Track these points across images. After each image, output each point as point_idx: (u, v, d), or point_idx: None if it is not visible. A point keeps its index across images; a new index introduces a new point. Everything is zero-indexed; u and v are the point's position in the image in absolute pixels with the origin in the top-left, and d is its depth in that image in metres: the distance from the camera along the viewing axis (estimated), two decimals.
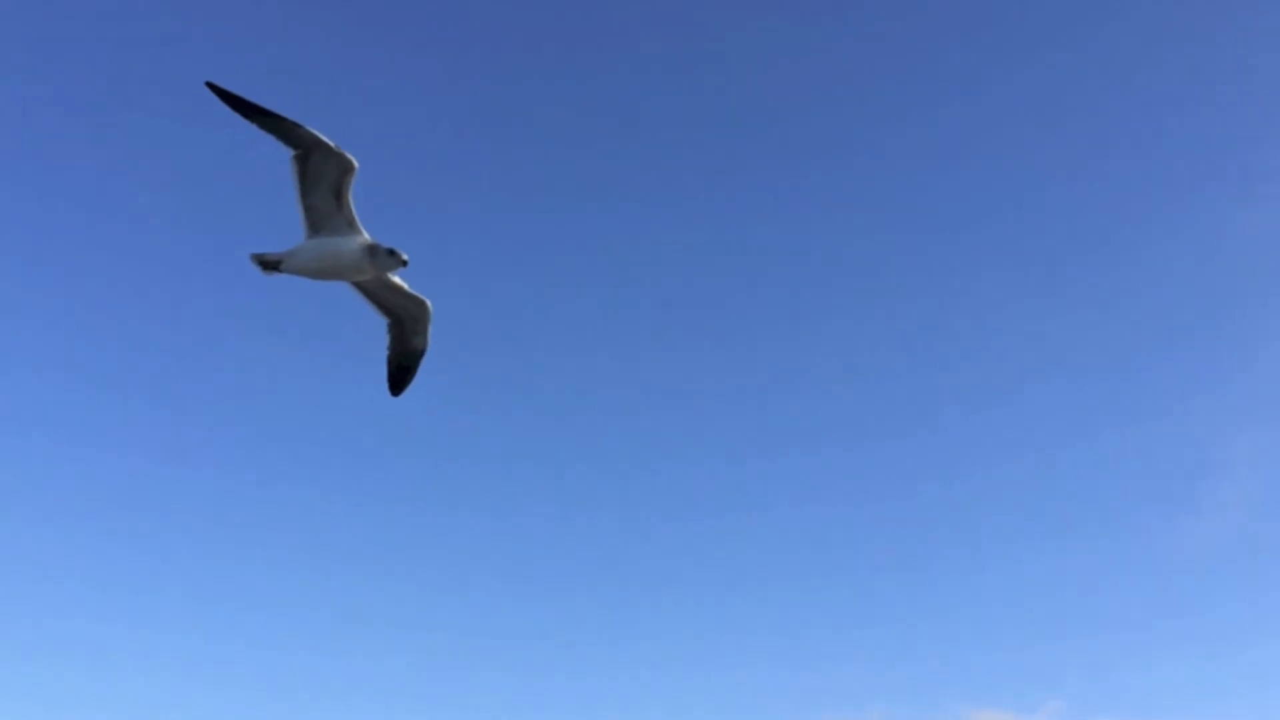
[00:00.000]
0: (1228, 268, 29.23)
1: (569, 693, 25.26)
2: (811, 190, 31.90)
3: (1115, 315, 29.93)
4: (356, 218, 9.47)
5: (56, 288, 27.76)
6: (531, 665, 25.80)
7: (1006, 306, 30.68)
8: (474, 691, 25.25)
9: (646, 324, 30.66)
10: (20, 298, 27.09)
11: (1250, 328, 29.25)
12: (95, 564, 25.63)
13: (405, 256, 9.48)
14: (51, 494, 26.18)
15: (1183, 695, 24.69)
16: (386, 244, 9.50)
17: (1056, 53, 30.96)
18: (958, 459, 28.95)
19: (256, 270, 9.82)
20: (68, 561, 25.34)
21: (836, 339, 30.93)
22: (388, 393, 10.41)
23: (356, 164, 9.23)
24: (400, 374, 10.36)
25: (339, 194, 9.37)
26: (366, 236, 9.51)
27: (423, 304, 10.06)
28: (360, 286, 9.95)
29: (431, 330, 10.20)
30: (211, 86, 9.07)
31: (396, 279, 9.86)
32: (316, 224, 9.52)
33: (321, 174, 9.27)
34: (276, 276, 9.89)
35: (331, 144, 9.12)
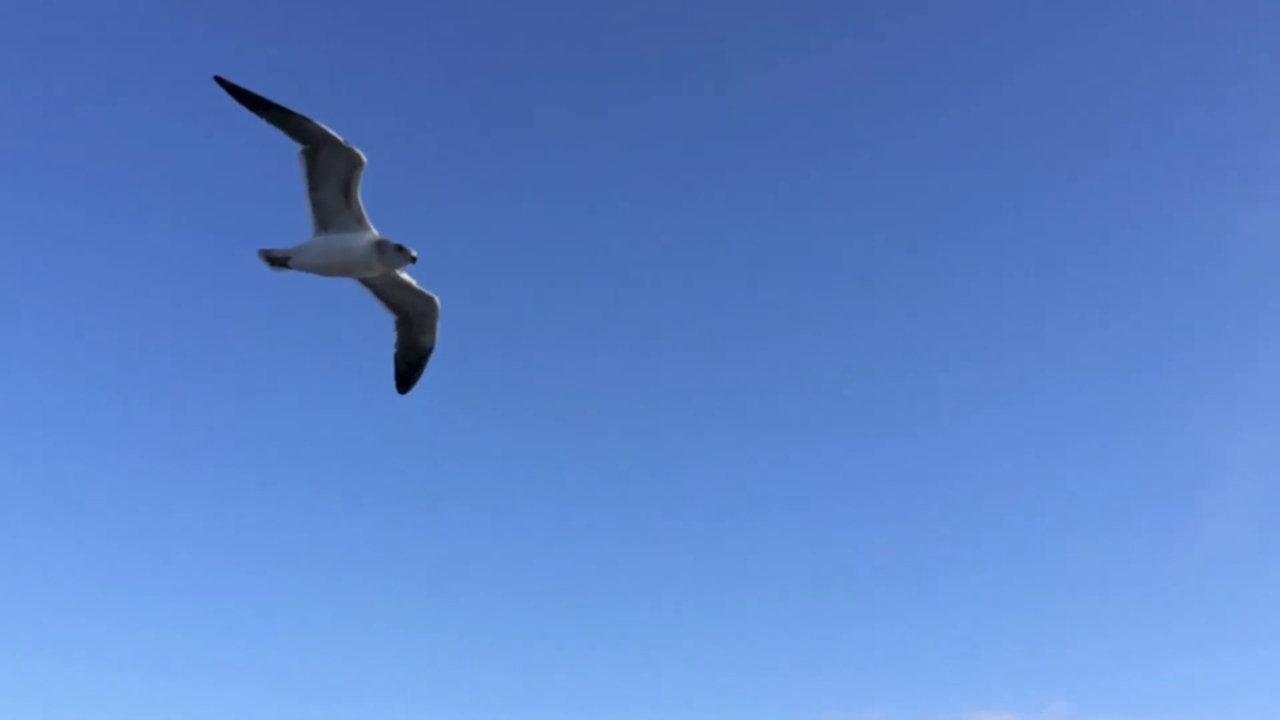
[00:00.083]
0: (1229, 268, 29.21)
1: (570, 694, 25.20)
2: (813, 191, 31.87)
3: (1117, 316, 29.91)
4: (365, 214, 9.39)
5: (56, 287, 27.66)
6: (532, 667, 25.74)
7: (1009, 308, 30.64)
8: (475, 693, 25.18)
9: (648, 325, 30.61)
10: (20, 298, 26.96)
11: (1252, 328, 29.21)
12: (95, 564, 25.53)
13: (414, 253, 9.39)
14: (51, 494, 26.08)
15: (1187, 696, 24.67)
16: (395, 240, 9.42)
17: (1056, 54, 30.92)
18: (960, 461, 28.91)
19: (263, 267, 9.73)
20: (68, 562, 25.24)
21: (838, 340, 30.90)
22: (394, 391, 10.31)
23: (365, 159, 9.14)
24: (408, 371, 10.27)
25: (347, 190, 9.29)
26: (375, 233, 9.42)
27: (431, 301, 9.98)
28: (368, 283, 9.87)
29: (440, 327, 10.12)
30: (220, 81, 8.99)
31: (405, 275, 9.78)
32: (325, 220, 9.44)
33: (330, 169, 9.19)
34: (282, 273, 9.81)
35: (340, 139, 9.03)
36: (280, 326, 27.92)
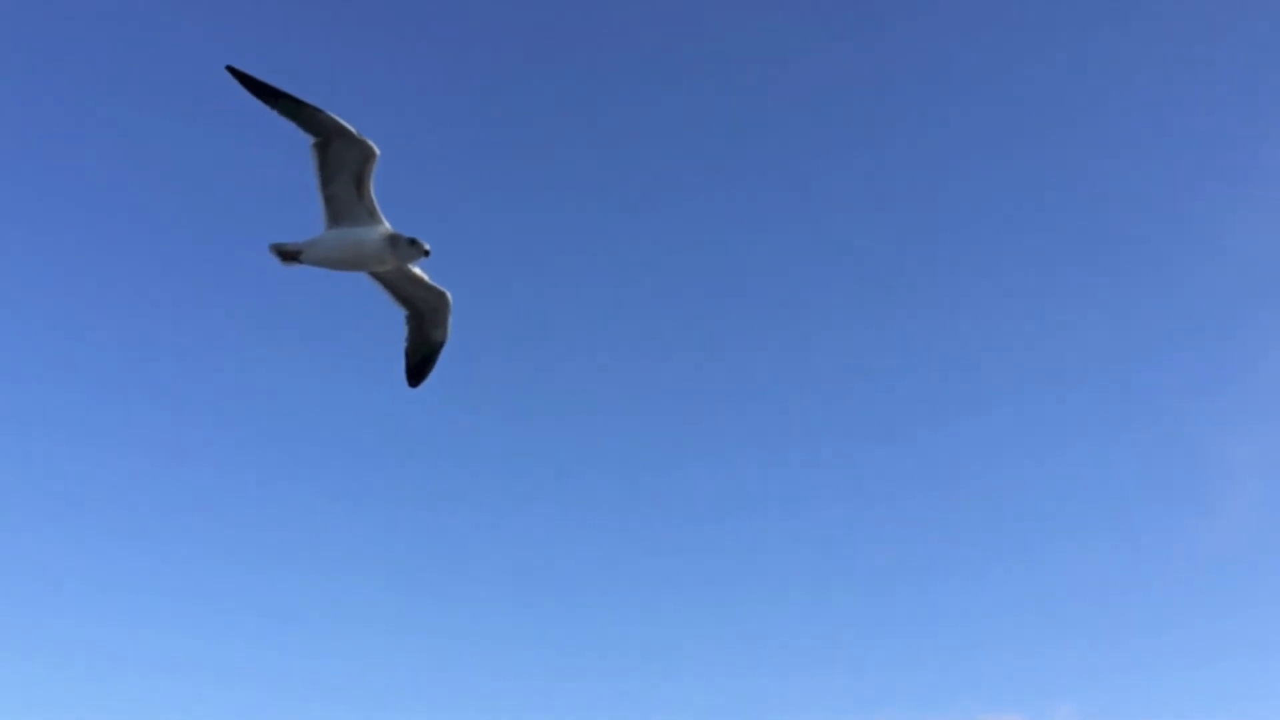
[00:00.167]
0: (1231, 270, 29.14)
1: (573, 697, 25.09)
2: (814, 193, 31.80)
3: (1120, 319, 29.83)
4: (377, 207, 9.30)
5: (56, 286, 27.56)
6: (535, 670, 25.63)
7: (1013, 310, 30.55)
8: (477, 695, 25.08)
9: (651, 325, 30.53)
10: (19, 298, 26.87)
11: (1255, 330, 29.16)
12: (94, 565, 25.43)
13: (427, 246, 9.30)
14: (51, 495, 25.97)
15: (1194, 699, 24.59)
16: (407, 234, 9.32)
17: (1055, 56, 30.87)
18: (964, 463, 28.82)
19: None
20: (67, 563, 25.14)
21: (843, 342, 30.82)
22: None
23: (378, 151, 9.05)
24: (419, 366, 10.18)
25: (360, 183, 9.19)
26: (388, 226, 9.33)
27: (443, 295, 9.89)
28: (379, 277, 9.78)
29: (451, 322, 10.04)
30: (232, 70, 8.89)
31: (417, 270, 9.69)
32: (337, 214, 9.34)
33: (342, 162, 9.09)
34: (292, 268, 9.71)
35: (353, 130, 8.93)
36: (280, 326, 27.85)
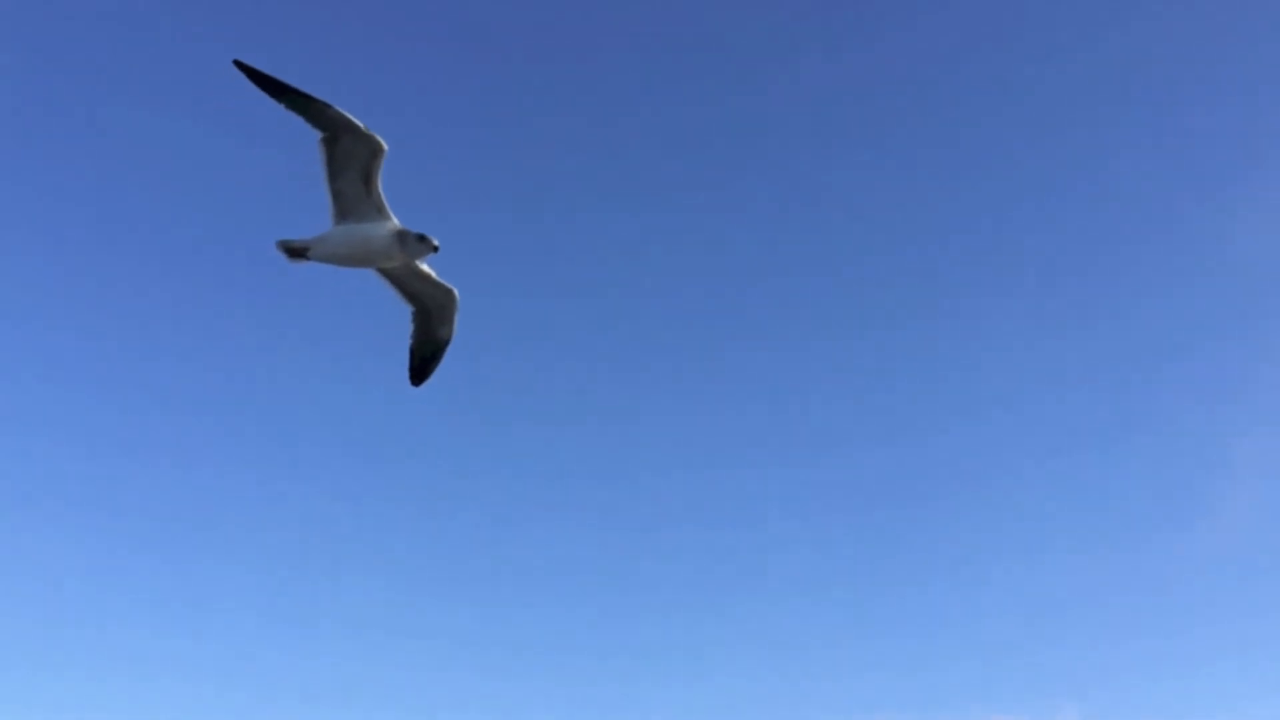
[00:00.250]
0: (1234, 272, 29.13)
1: (576, 700, 25.04)
2: (819, 198, 31.78)
3: (1121, 320, 29.81)
4: (386, 203, 9.27)
5: (56, 286, 27.53)
6: (536, 671, 25.59)
7: (1016, 314, 30.53)
8: (479, 698, 25.04)
9: (654, 329, 30.50)
10: (20, 298, 26.85)
11: (1258, 331, 29.14)
12: (94, 567, 25.39)
13: (436, 242, 9.27)
14: (52, 497, 25.93)
15: (1197, 700, 24.56)
16: (416, 230, 9.30)
17: (1055, 59, 30.88)
18: (967, 466, 28.79)
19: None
20: (67, 564, 25.10)
21: (847, 346, 30.78)
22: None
23: (386, 146, 9.02)
24: (424, 363, 10.14)
25: (368, 178, 9.16)
26: (396, 222, 9.30)
27: (450, 293, 9.86)
28: (386, 274, 9.75)
29: (458, 320, 10.00)
30: (239, 65, 8.86)
31: (424, 267, 9.66)
32: (345, 209, 9.31)
33: (350, 157, 9.06)
34: (300, 265, 9.69)
35: (361, 125, 8.90)
36: (284, 327, 27.80)
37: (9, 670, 23.35)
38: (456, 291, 9.84)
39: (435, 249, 9.28)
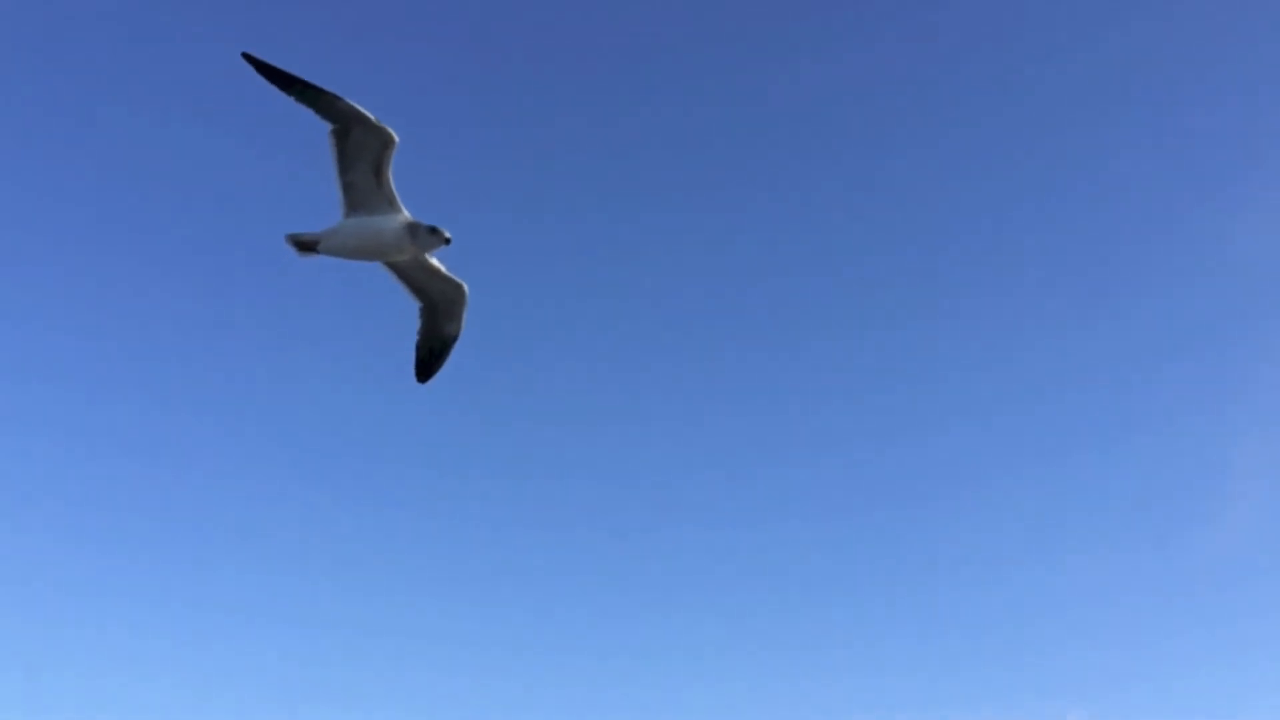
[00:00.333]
0: (1236, 273, 29.09)
1: (577, 701, 24.97)
2: (824, 198, 31.74)
3: (1123, 322, 29.78)
4: (397, 196, 9.19)
5: (56, 286, 27.43)
6: (538, 673, 25.51)
7: (1018, 315, 30.49)
8: (479, 699, 24.96)
9: (653, 329, 30.44)
10: (20, 298, 26.76)
11: (1260, 333, 29.10)
12: (96, 568, 25.30)
13: (448, 234, 9.19)
14: (52, 498, 25.83)
15: (1203, 703, 24.49)
16: (428, 222, 9.22)
17: (1058, 59, 30.85)
18: (968, 468, 28.73)
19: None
20: (65, 565, 25.00)
21: (850, 347, 30.70)
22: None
23: (397, 138, 8.94)
24: (430, 360, 10.05)
25: (379, 170, 9.08)
26: (407, 214, 9.23)
27: (460, 288, 9.77)
28: (395, 267, 9.66)
29: (466, 315, 9.92)
30: (248, 57, 8.79)
31: (434, 261, 9.58)
32: (355, 202, 9.24)
33: (361, 149, 8.98)
34: (309, 259, 9.61)
35: (372, 118, 8.83)
36: (285, 327, 27.72)
37: (9, 671, 23.27)
38: (466, 287, 9.76)
39: (447, 241, 9.20)
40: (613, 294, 30.35)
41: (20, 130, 27.09)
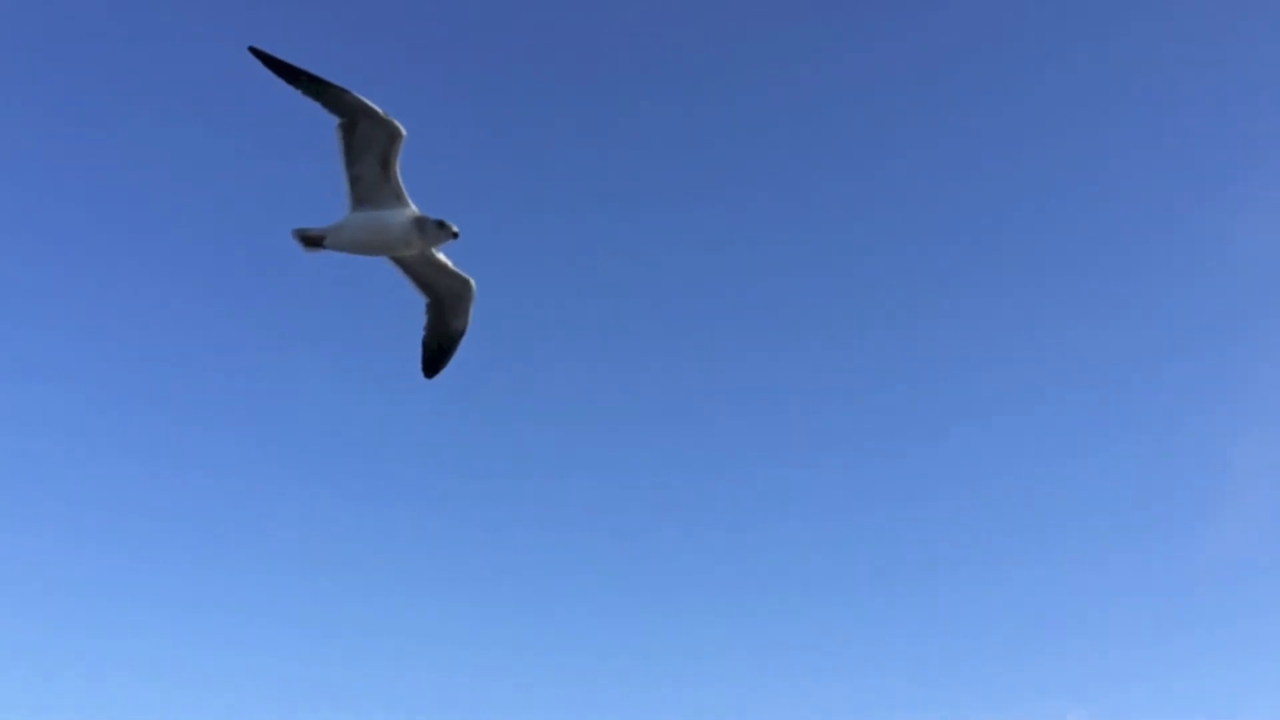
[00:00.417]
0: (1237, 273, 29.11)
1: (578, 702, 24.94)
2: (823, 199, 31.73)
3: (1123, 323, 29.79)
4: (404, 190, 9.15)
5: (56, 287, 27.39)
6: (539, 674, 25.48)
7: (1020, 316, 30.49)
8: (479, 700, 24.92)
9: (654, 329, 30.42)
10: (21, 298, 26.71)
11: (1260, 333, 29.12)
12: (96, 568, 25.25)
13: (455, 228, 9.14)
14: (52, 498, 25.78)
15: (1204, 704, 24.49)
16: (435, 216, 9.18)
17: (1057, 60, 30.87)
18: (968, 469, 28.73)
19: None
20: (68, 566, 24.96)
21: (849, 348, 30.71)
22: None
23: (405, 132, 8.90)
24: (437, 355, 10.00)
25: (385, 164, 9.03)
26: (414, 209, 9.19)
27: (466, 283, 9.71)
28: (401, 262, 9.61)
29: (473, 311, 9.87)
30: (255, 51, 8.75)
31: (441, 256, 9.54)
32: (362, 197, 9.18)
33: (368, 143, 8.93)
34: (316, 254, 9.56)
35: (380, 111, 8.78)
36: (284, 327, 27.69)
37: (10, 671, 23.23)
38: (473, 282, 9.71)
39: (455, 235, 9.15)
40: (613, 294, 30.35)
41: (20, 130, 27.09)
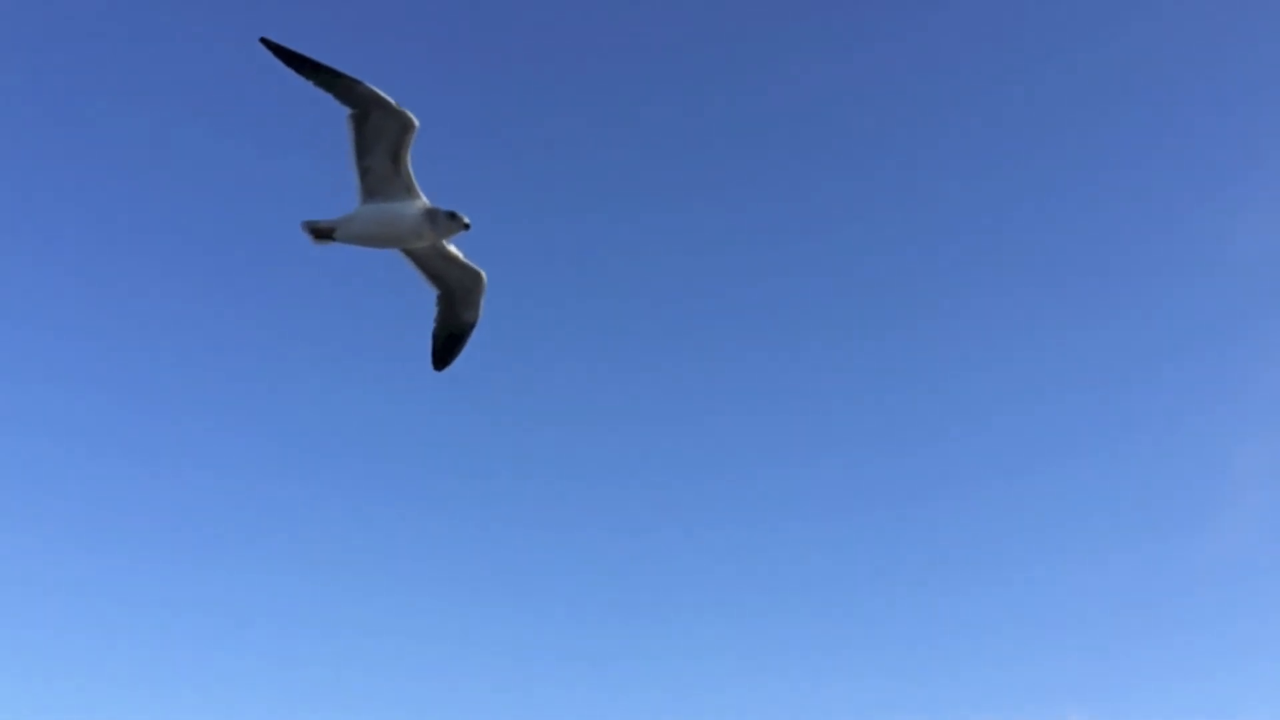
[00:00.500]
0: (1237, 274, 29.14)
1: (578, 703, 24.89)
2: (823, 200, 31.73)
3: (1123, 324, 29.81)
4: (415, 181, 9.12)
5: (57, 287, 27.35)
6: (539, 676, 25.44)
7: (1019, 317, 30.51)
8: (479, 701, 24.87)
9: (654, 330, 30.40)
10: (21, 298, 26.67)
11: (1260, 335, 29.14)
12: (98, 569, 25.19)
13: (467, 220, 9.10)
14: (52, 498, 25.72)
15: (1204, 705, 24.49)
16: (446, 207, 9.15)
17: (1056, 60, 30.92)
18: (970, 470, 28.71)
19: (307, 240, 9.41)
20: (70, 567, 24.89)
21: (848, 350, 30.70)
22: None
23: (417, 123, 8.87)
24: (447, 347, 9.97)
25: (397, 156, 8.99)
26: (425, 200, 9.15)
27: (477, 276, 9.68)
28: (412, 255, 9.58)
29: (484, 303, 9.84)
30: (266, 42, 8.72)
31: (452, 248, 9.51)
32: (372, 189, 9.14)
33: (379, 134, 8.89)
34: (325, 246, 9.53)
35: (392, 101, 8.74)
36: (283, 327, 27.65)
37: (9, 671, 23.17)
38: (484, 274, 9.68)
39: (466, 226, 9.12)
40: (613, 294, 30.33)
41: (20, 130, 27.04)
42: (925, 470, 28.61)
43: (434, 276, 9.72)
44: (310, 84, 8.82)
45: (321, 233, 9.40)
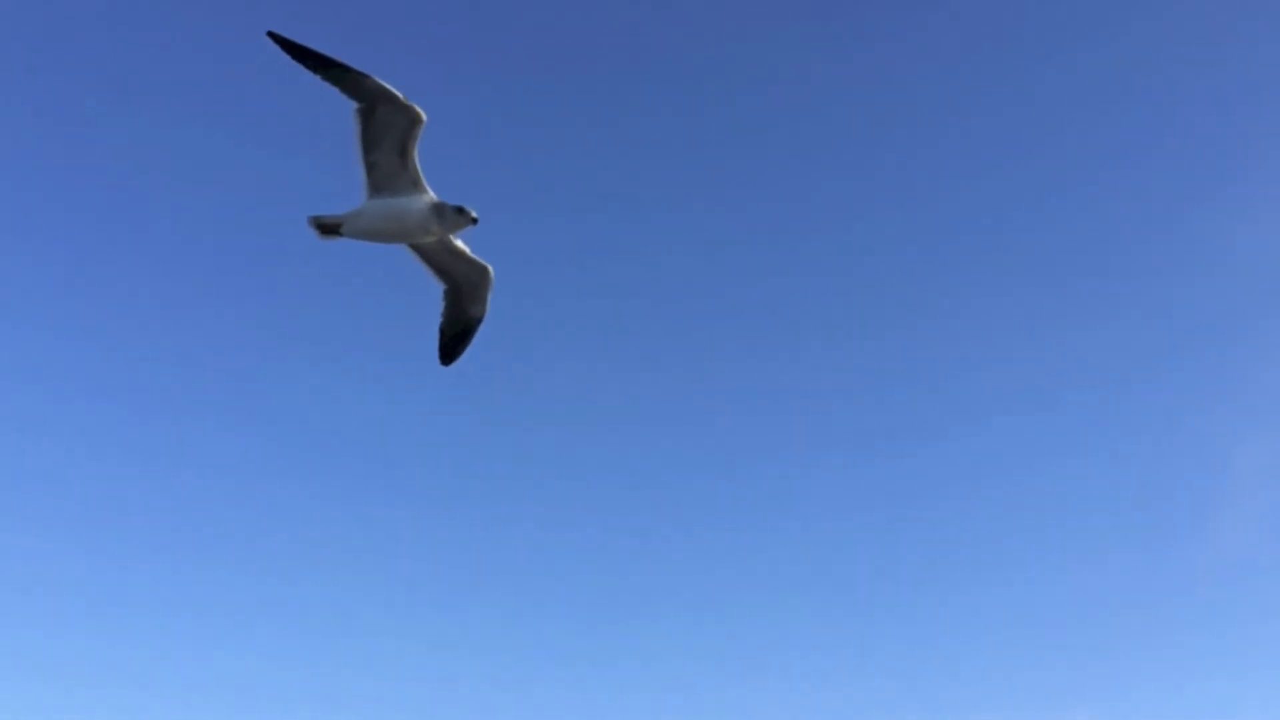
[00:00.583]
0: (1237, 275, 29.15)
1: (579, 704, 24.87)
2: (822, 199, 31.73)
3: (1123, 325, 29.80)
4: (422, 176, 9.09)
5: (55, 287, 27.31)
6: (539, 676, 25.41)
7: (1019, 318, 30.49)
8: (479, 701, 24.84)
9: (655, 330, 30.39)
10: (18, 299, 26.63)
11: (1261, 336, 29.14)
12: (97, 570, 25.15)
13: (475, 214, 9.08)
14: (52, 498, 25.69)
15: (1208, 706, 24.47)
16: (454, 202, 9.13)
17: (1057, 61, 30.92)
18: (970, 471, 28.68)
19: (314, 235, 9.39)
20: (70, 568, 24.86)
21: (847, 351, 30.69)
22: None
23: (425, 117, 8.84)
24: (454, 342, 9.96)
25: (404, 151, 8.96)
26: (432, 195, 9.13)
27: (485, 270, 9.67)
28: (419, 249, 9.56)
29: (491, 298, 9.83)
30: (273, 36, 8.69)
31: (459, 243, 9.49)
32: (379, 183, 9.11)
33: (387, 129, 8.86)
34: (331, 241, 9.51)
35: (400, 96, 8.72)
36: (281, 327, 27.63)
37: (9, 671, 23.12)
38: (491, 269, 9.66)
39: (474, 221, 9.09)
40: (614, 294, 30.30)
41: (20, 130, 27.02)
42: (925, 470, 28.61)
43: (441, 271, 9.71)
44: (317, 79, 8.80)
45: (328, 228, 9.38)
